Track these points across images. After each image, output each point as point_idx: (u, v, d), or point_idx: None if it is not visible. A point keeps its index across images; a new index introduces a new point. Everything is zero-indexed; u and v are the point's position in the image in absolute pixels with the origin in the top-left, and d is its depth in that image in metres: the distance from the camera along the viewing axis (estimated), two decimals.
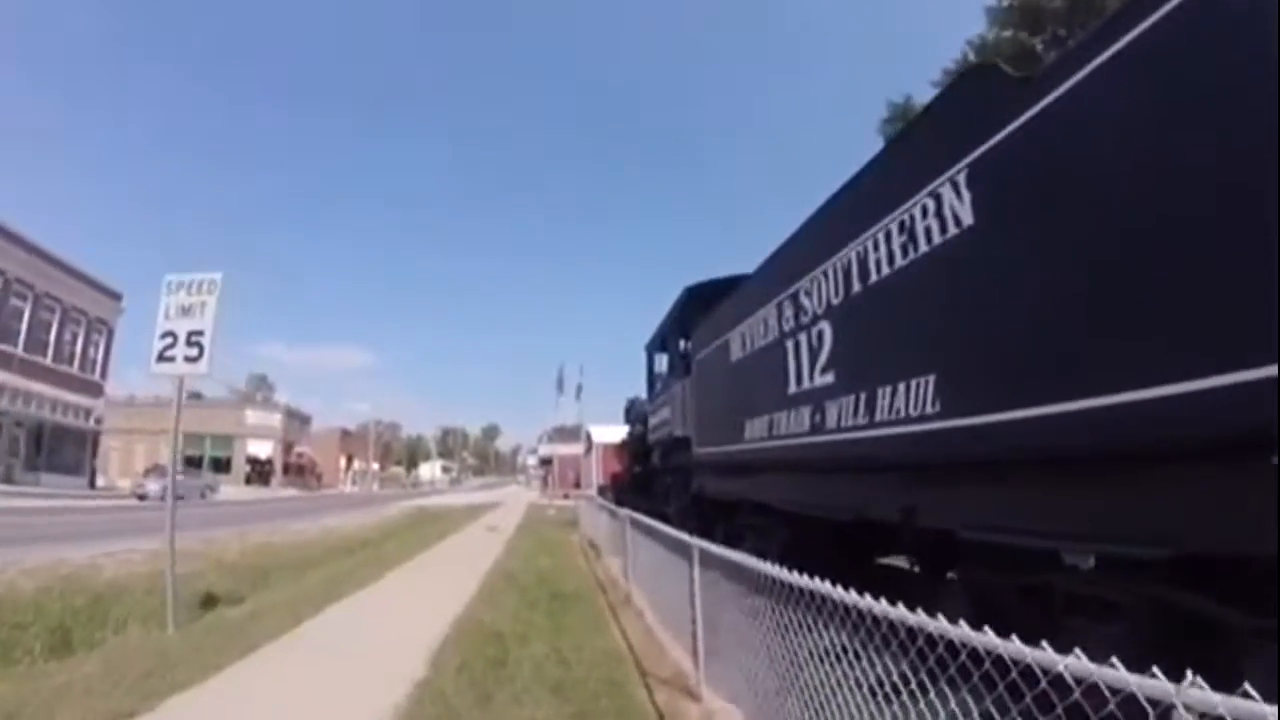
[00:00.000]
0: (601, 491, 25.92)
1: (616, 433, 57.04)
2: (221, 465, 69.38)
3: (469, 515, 30.73)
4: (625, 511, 10.44)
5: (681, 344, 13.47)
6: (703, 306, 11.63)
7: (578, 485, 61.18)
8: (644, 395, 20.93)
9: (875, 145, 19.31)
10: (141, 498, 38.09)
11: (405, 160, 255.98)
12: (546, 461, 73.41)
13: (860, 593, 3.21)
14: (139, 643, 7.32)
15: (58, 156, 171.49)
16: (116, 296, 46.97)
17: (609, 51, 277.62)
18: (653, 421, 15.84)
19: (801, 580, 3.78)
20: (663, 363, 15.87)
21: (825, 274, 6.64)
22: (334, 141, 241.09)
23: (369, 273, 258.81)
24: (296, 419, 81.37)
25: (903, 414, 5.15)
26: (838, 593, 3.33)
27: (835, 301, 6.50)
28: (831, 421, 6.38)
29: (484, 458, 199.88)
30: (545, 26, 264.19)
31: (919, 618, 2.77)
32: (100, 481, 46.87)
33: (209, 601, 9.58)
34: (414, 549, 16.62)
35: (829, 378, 6.54)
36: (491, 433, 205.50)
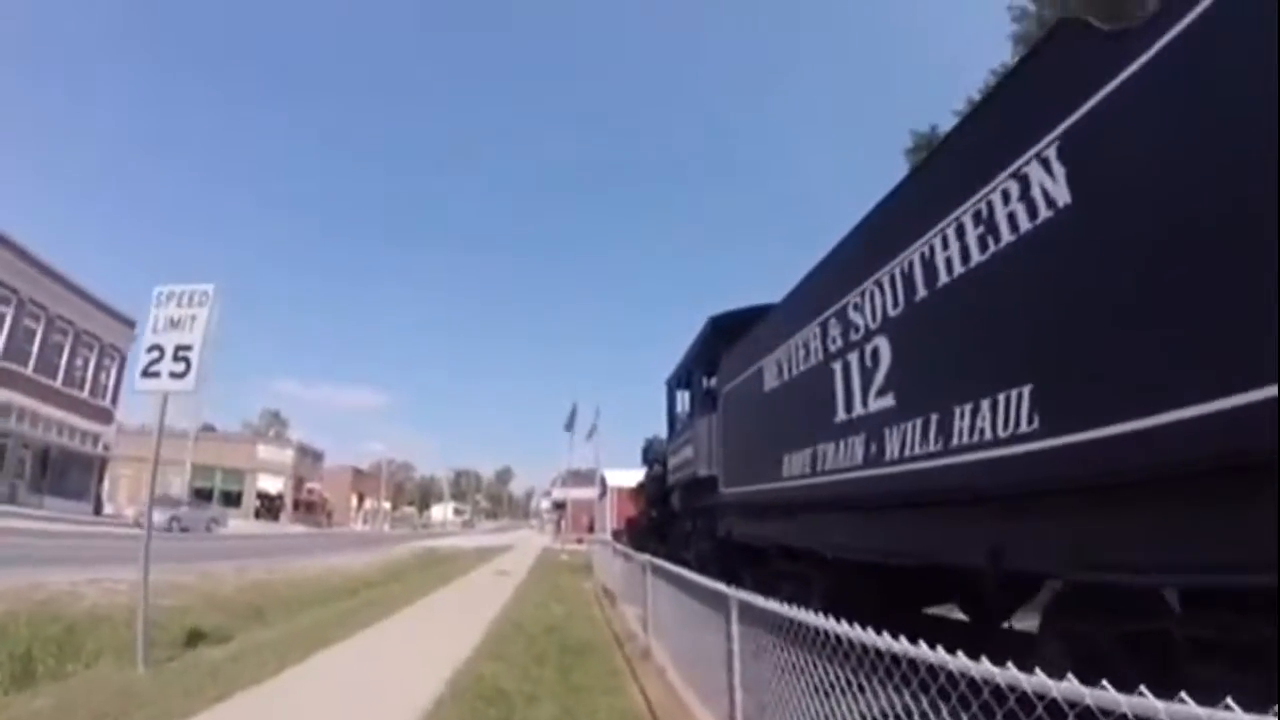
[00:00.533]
0: (616, 536, 24.93)
1: (631, 476, 56.51)
2: (232, 499, 68.58)
3: (479, 558, 29.75)
4: (644, 557, 9.52)
5: (705, 379, 12.71)
6: (729, 337, 10.87)
7: (591, 529, 60.17)
8: (663, 435, 20.15)
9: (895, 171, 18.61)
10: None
11: (421, 199, 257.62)
12: (560, 505, 72.36)
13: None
14: (104, 680, 6.74)
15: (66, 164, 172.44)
16: (130, 324, 46.44)
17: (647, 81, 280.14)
18: (673, 462, 14.95)
19: (894, 645, 2.89)
20: (685, 400, 15.09)
21: (880, 283, 5.81)
22: (358, 184, 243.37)
23: (385, 314, 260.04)
24: (309, 455, 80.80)
25: (988, 436, 4.26)
26: (957, 661, 2.45)
27: (893, 313, 5.66)
28: (892, 451, 5.50)
29: (497, 500, 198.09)
30: (563, 47, 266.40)
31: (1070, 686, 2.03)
32: (109, 509, 46.02)
33: (194, 638, 8.98)
34: (418, 592, 15.74)
35: (887, 400, 5.67)
36: (505, 476, 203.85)
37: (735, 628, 4.86)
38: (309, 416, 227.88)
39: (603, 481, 62.75)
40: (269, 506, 72.03)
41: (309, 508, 79.29)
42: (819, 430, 6.80)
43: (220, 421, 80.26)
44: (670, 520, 17.18)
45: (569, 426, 33.50)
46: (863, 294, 6.11)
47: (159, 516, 37.82)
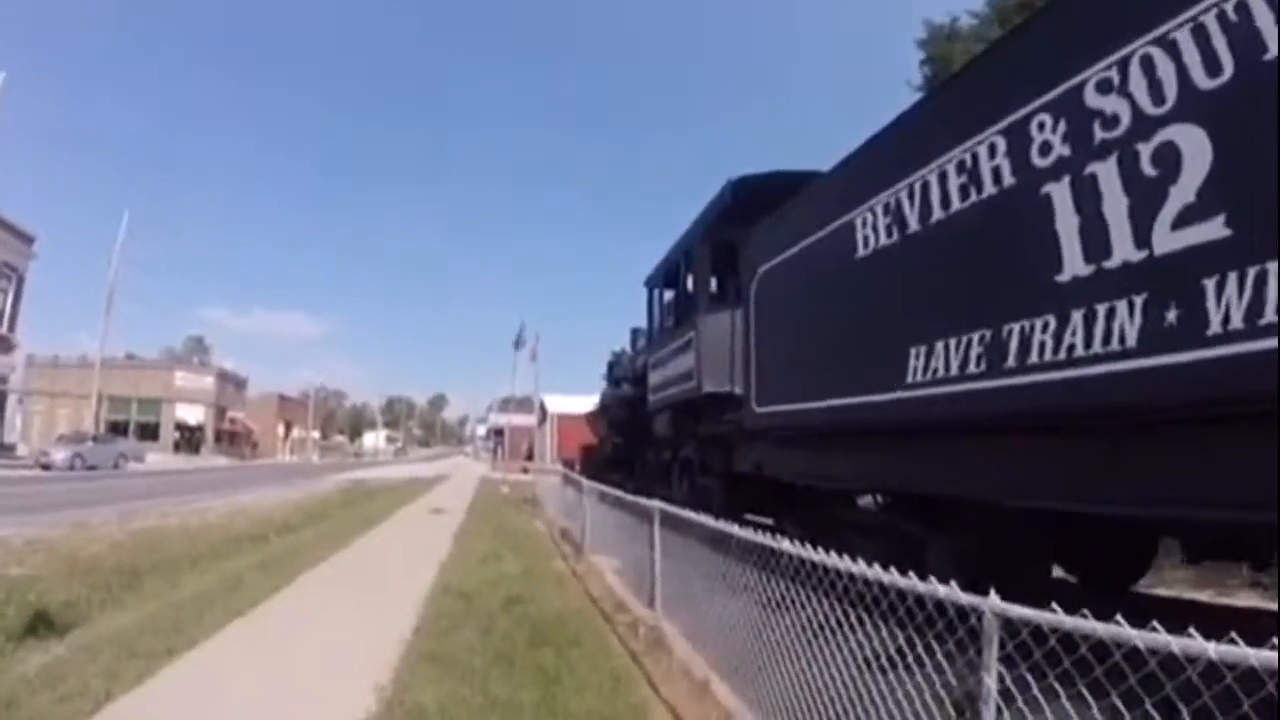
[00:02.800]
0: (568, 466, 22.27)
1: (573, 403, 54.53)
2: (149, 431, 63.91)
3: (411, 492, 26.84)
4: (654, 503, 6.75)
5: (717, 265, 10.03)
6: (761, 204, 8.12)
7: (530, 457, 58.03)
8: (627, 350, 17.37)
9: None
10: (46, 467, 33.60)
11: (347, 125, 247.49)
12: (498, 432, 69.72)
13: None
14: None
15: None
16: (28, 239, 41.52)
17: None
18: (655, 378, 12.16)
19: None
20: (674, 301, 12.31)
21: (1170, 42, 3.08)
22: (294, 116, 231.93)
23: (316, 239, 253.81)
24: (231, 383, 75.97)
25: None
26: None
27: (1211, 84, 2.97)
28: (1220, 316, 2.86)
29: (430, 428, 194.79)
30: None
31: None
32: (22, 450, 41.68)
33: (34, 625, 6.55)
34: (337, 540, 12.84)
35: (1207, 228, 2.97)
36: (438, 403, 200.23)
37: None
38: (239, 345, 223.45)
39: (543, 408, 60.49)
40: (189, 438, 67.40)
41: (232, 439, 74.90)
42: (1012, 299, 4.15)
43: (144, 351, 74.91)
44: (640, 449, 14.55)
45: (518, 344, 30.58)
46: (1127, 62, 3.34)
47: (60, 455, 34.56)
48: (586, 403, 47.36)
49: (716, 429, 9.11)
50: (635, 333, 17.89)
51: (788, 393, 6.85)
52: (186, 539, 12.45)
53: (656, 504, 6.71)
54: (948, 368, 4.66)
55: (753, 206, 8.45)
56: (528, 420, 65.09)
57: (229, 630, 6.58)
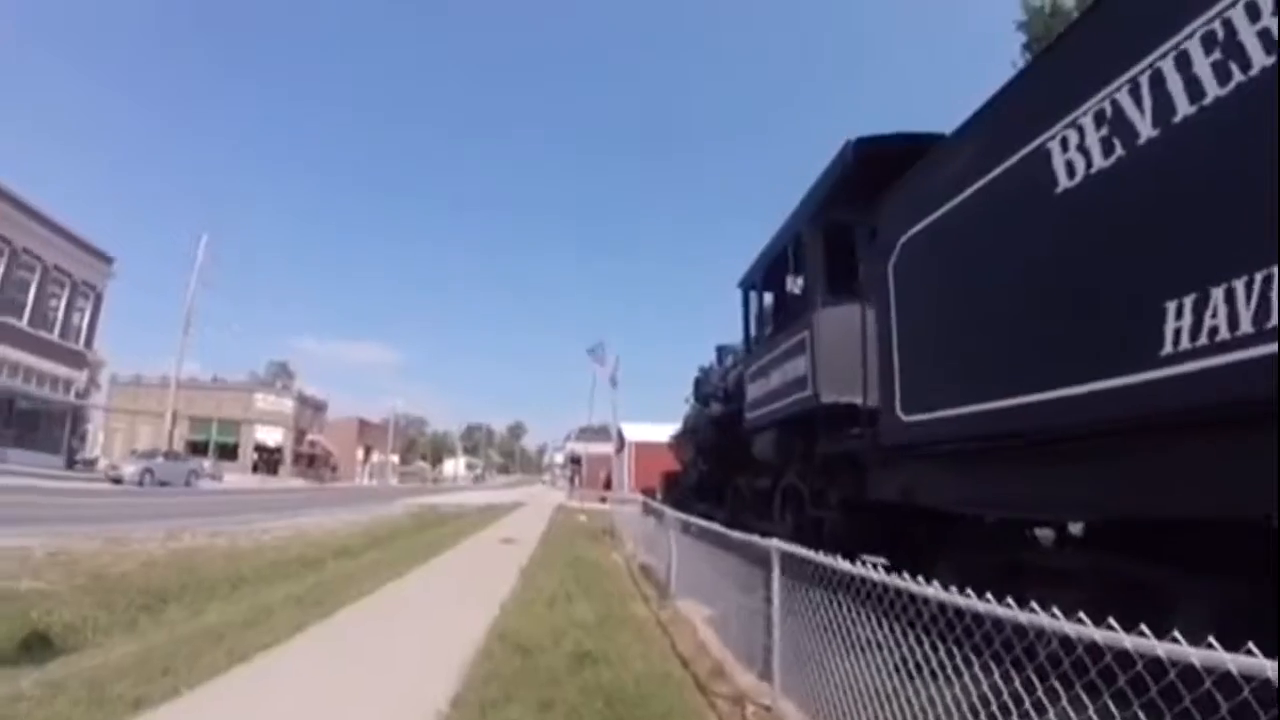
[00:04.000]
0: (648, 495, 20.65)
1: (653, 431, 52.99)
2: (228, 452, 65.08)
3: (483, 518, 25.55)
4: (775, 544, 5.05)
5: (833, 244, 8.38)
6: (887, 172, 6.53)
7: (609, 486, 56.71)
8: (715, 364, 15.71)
9: None
10: (116, 481, 33.46)
11: (436, 158, 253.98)
12: (575, 460, 68.63)
13: None
14: None
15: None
16: (107, 260, 42.41)
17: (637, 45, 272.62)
18: (753, 392, 10.46)
19: None
20: (775, 300, 10.71)
21: None
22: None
23: (401, 271, 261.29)
24: (310, 406, 76.71)
25: None
26: None
27: None
28: None
29: (510, 455, 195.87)
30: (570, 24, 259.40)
31: None
32: (103, 463, 41.92)
33: (29, 646, 5.99)
34: (396, 568, 11.55)
35: None
36: (518, 430, 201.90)
37: None
38: (325, 373, 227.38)
39: (621, 436, 59.12)
40: (267, 460, 68.20)
41: (311, 461, 75.50)
42: None
43: (233, 376, 76.38)
44: (731, 475, 12.86)
45: (594, 351, 29.10)
46: None
47: (130, 469, 34.41)
48: (666, 431, 45.78)
49: (839, 447, 7.40)
50: (722, 350, 16.24)
51: (950, 394, 5.13)
52: (230, 561, 11.54)
53: (775, 544, 5.04)
54: (1234, 321, 2.99)
55: (877, 174, 6.80)
56: (605, 448, 63.87)
57: (221, 682, 5.18)
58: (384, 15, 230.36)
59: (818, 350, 7.92)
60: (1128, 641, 2.23)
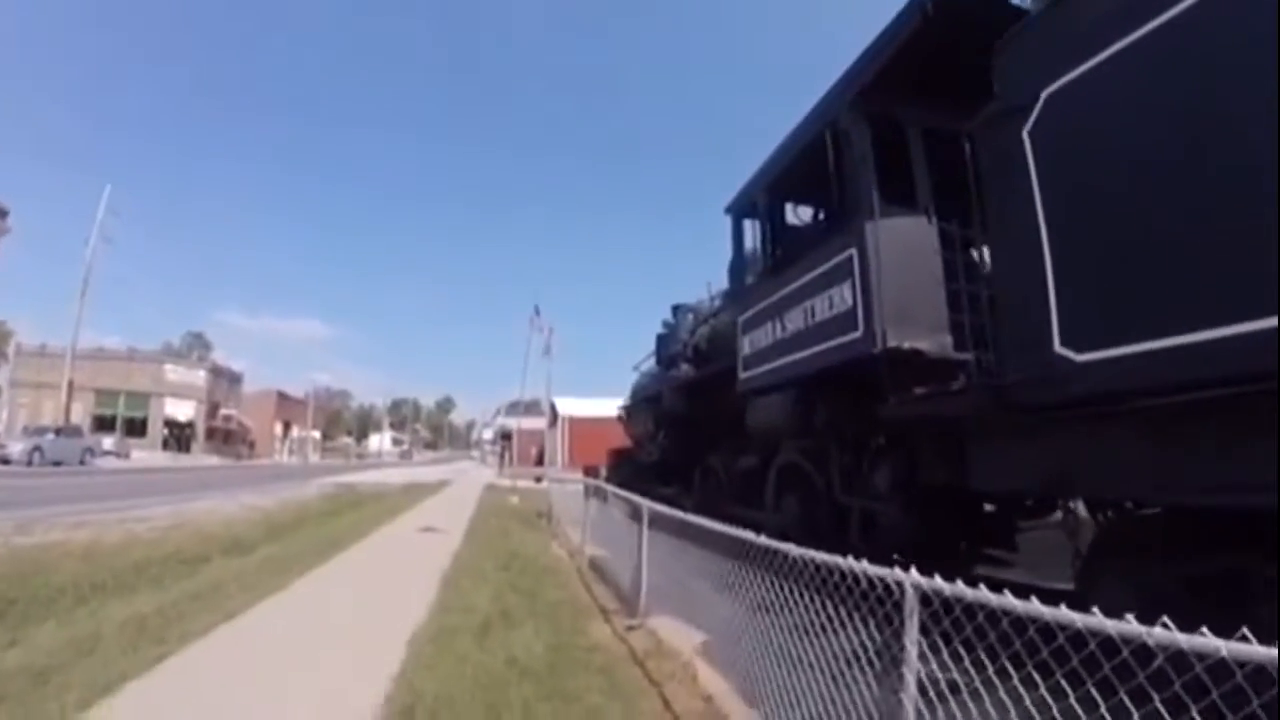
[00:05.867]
0: (590, 474, 18.36)
1: (588, 406, 50.83)
2: (136, 427, 60.55)
3: (405, 500, 22.99)
4: (913, 580, 2.82)
5: (890, 142, 6.19)
6: (972, 39, 4.72)
7: (540, 462, 54.52)
8: (674, 324, 13.48)
9: None
10: (4, 461, 30.31)
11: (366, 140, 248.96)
12: (505, 436, 65.96)
13: None
14: None
15: None
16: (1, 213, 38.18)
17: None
18: (754, 344, 8.24)
19: None
20: (773, 231, 8.50)
21: None
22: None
23: (329, 247, 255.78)
24: (224, 377, 72.29)
25: None
26: None
27: None
28: None
29: (438, 431, 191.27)
30: None
31: None
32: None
33: None
34: (287, 571, 9.22)
35: None
36: (446, 405, 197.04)
37: None
38: (250, 347, 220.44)
39: (554, 409, 56.86)
40: (178, 436, 63.87)
41: (227, 437, 71.28)
42: None
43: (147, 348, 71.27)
44: (700, 453, 10.72)
45: (537, 312, 26.66)
46: None
47: (16, 447, 31.07)
48: (601, 406, 43.67)
49: (920, 410, 5.22)
50: (679, 309, 14.00)
51: (1182, 308, 2.99)
52: (86, 561, 9.16)
53: (914, 580, 2.76)
54: None
55: (946, 55, 4.74)
56: (537, 423, 61.42)
57: None
58: None
59: (876, 273, 5.70)
60: None
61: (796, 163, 7.58)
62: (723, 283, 11.44)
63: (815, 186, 7.21)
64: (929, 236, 5.96)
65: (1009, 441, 4.30)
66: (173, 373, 64.34)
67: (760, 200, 8.52)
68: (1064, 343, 3.70)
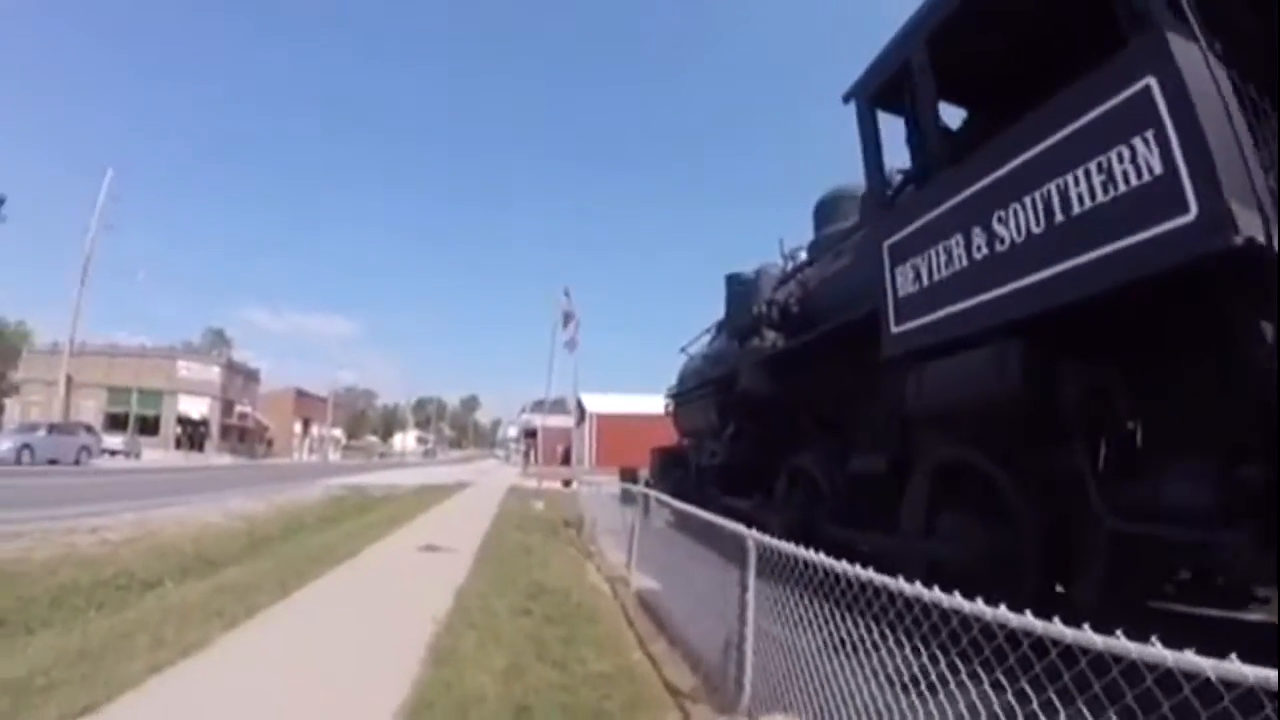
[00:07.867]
0: (627, 477, 15.66)
1: (616, 402, 48.22)
2: (150, 425, 58.72)
3: (417, 504, 20.46)
4: None
5: None
6: None
7: (566, 461, 51.89)
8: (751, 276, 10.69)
9: None
10: None
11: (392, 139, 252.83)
12: (530, 434, 63.51)
13: None
14: None
15: None
16: None
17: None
18: (909, 280, 5.38)
19: None
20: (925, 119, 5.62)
21: None
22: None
23: (357, 244, 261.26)
24: (240, 374, 70.33)
25: None
26: None
27: None
28: None
29: (463, 430, 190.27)
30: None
31: None
32: None
33: None
34: (232, 612, 6.71)
35: None
36: (471, 404, 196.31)
37: None
38: (282, 346, 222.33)
39: (581, 407, 54.22)
40: (192, 434, 61.91)
41: (243, 435, 69.39)
42: None
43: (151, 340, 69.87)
44: (784, 453, 8.03)
45: (567, 294, 24.32)
46: None
47: (5, 445, 28.91)
48: (630, 402, 40.85)
49: None
50: (733, 281, 11.27)
51: None
52: (29, 582, 7.46)
53: None
54: None
55: None
56: (563, 422, 58.82)
57: None
58: None
59: (1205, 113, 3.00)
60: None
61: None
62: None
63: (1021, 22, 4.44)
64: (1223, 79, 3.32)
65: None
66: (186, 369, 62.44)
67: (917, 60, 5.61)
68: None
